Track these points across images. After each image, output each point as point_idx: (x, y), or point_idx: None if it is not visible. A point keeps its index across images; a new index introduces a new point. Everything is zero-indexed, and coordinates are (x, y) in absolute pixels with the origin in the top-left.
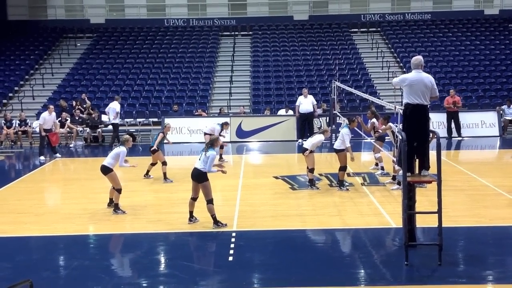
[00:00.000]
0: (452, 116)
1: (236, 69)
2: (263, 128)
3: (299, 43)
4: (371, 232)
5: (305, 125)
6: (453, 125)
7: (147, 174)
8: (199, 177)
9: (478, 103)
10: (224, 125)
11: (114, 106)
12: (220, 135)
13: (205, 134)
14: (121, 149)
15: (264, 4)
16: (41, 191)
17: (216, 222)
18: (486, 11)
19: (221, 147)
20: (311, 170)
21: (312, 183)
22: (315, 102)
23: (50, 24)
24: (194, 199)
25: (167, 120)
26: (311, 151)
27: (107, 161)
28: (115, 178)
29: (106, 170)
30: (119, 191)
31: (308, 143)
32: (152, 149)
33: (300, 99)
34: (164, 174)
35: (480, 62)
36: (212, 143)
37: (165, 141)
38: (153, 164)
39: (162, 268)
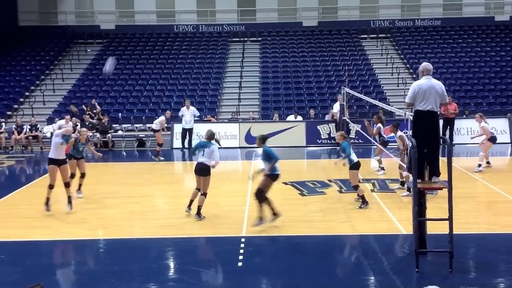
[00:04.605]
0: (449, 123)
1: (245, 75)
2: (272, 134)
3: (308, 49)
4: (381, 239)
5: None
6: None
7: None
8: (205, 171)
9: (489, 110)
10: (166, 114)
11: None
12: (165, 120)
13: (154, 131)
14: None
15: (273, 10)
16: (51, 196)
17: (199, 214)
18: (496, 17)
19: (160, 145)
20: (355, 187)
21: (363, 199)
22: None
23: (61, 30)
24: (199, 189)
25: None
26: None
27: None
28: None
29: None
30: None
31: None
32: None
33: (336, 106)
34: (80, 185)
35: (490, 68)
36: (210, 137)
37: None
38: (82, 176)
39: (171, 273)
